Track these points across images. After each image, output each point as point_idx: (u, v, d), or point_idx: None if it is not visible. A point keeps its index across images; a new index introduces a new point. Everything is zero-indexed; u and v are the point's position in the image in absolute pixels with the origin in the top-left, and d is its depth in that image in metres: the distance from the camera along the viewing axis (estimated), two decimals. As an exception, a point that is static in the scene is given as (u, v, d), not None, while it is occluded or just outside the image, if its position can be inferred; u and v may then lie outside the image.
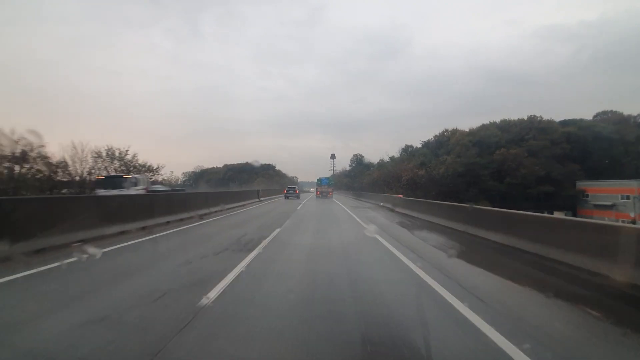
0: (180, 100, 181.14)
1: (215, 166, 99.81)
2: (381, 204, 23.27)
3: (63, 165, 23.46)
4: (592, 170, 48.30)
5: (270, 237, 8.44)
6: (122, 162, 26.96)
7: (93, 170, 26.04)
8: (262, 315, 3.49)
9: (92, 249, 6.05)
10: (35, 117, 70.59)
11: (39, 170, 21.88)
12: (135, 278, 4.91)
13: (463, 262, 6.39)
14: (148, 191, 17.17)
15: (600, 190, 44.41)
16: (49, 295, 4.08)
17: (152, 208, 10.28)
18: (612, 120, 61.82)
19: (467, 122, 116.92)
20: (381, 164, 74.21)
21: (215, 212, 15.34)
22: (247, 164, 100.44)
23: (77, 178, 24.39)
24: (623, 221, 38.27)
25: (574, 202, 47.13)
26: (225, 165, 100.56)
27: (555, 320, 3.56)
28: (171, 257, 6.44)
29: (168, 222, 10.76)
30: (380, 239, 8.49)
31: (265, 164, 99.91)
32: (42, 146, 20.07)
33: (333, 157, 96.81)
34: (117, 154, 26.32)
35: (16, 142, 20.42)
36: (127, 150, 26.86)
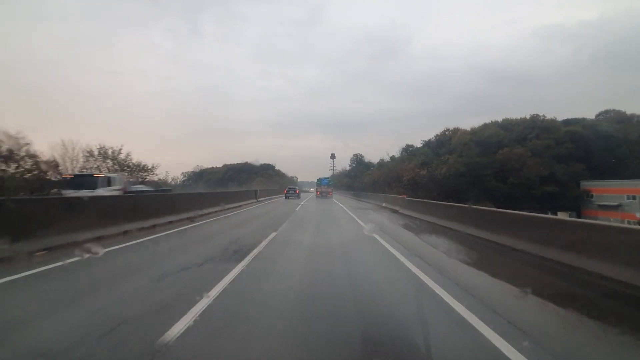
0: (180, 100, 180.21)
1: (214, 166, 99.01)
2: (383, 204, 22.44)
3: (53, 164, 22.67)
4: (596, 170, 47.44)
5: (264, 244, 7.57)
6: (116, 161, 26.14)
7: (85, 170, 25.26)
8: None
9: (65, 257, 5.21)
10: (34, 117, 69.64)
11: (27, 170, 21.10)
12: (87, 300, 3.91)
13: (505, 284, 5.14)
14: (126, 192, 16.02)
15: (606, 191, 43.56)
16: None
17: (134, 210, 9.41)
18: (615, 119, 61.01)
19: (468, 122, 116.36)
20: (381, 163, 73.39)
21: (209, 214, 14.49)
22: (246, 163, 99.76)
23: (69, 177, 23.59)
24: (629, 222, 37.50)
25: (578, 203, 46.30)
26: (225, 165, 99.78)
27: None
28: (145, 269, 5.53)
29: (154, 226, 9.92)
30: (390, 248, 7.59)
31: (264, 164, 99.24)
32: (27, 144, 19.24)
33: (333, 157, 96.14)
34: (109, 152, 25.50)
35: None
36: (120, 149, 26.05)
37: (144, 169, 27.89)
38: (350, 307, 3.84)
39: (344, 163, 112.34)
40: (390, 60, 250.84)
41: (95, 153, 24.86)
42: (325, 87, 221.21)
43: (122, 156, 26.10)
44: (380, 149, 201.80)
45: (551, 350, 2.82)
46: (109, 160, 25.41)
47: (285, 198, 37.49)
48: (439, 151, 59.08)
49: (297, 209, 20.26)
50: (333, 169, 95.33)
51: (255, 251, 6.76)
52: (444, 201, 24.17)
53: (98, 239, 7.39)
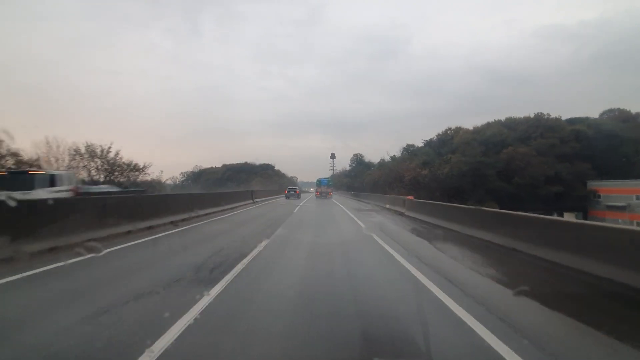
0: (180, 100, 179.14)
1: (214, 166, 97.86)
2: (387, 206, 21.19)
3: (36, 163, 21.43)
4: (602, 170, 46.30)
5: (250, 257, 6.29)
6: (105, 160, 24.90)
7: (71, 169, 24.02)
8: None
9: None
10: (34, 117, 68.40)
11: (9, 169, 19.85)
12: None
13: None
14: (78, 193, 13.84)
15: (613, 191, 42.35)
16: None
17: (101, 215, 8.08)
18: (620, 118, 59.87)
19: (468, 122, 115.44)
20: (382, 163, 72.27)
21: (198, 217, 13.25)
22: (246, 163, 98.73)
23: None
24: (638, 223, 36.30)
25: (584, 203, 45.10)
26: (224, 165, 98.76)
27: None
28: (80, 298, 4.07)
29: (129, 232, 8.68)
30: (406, 264, 6.35)
31: (264, 164, 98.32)
32: (2, 141, 18.12)
33: (333, 156, 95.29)
34: (98, 151, 24.23)
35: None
36: (109, 147, 24.76)
37: (135, 168, 26.62)
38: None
39: (344, 163, 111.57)
40: (390, 60, 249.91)
41: (83, 151, 23.59)
42: (325, 87, 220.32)
43: (111, 155, 24.85)
44: (381, 148, 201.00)
45: None
46: (97, 159, 24.16)
47: (286, 198, 37.49)
48: (441, 150, 57.93)
49: (295, 211, 19.00)
50: (333, 169, 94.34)
51: (240, 265, 5.53)
52: (446, 201, 22.90)
53: (51, 250, 6.15)
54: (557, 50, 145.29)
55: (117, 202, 9.28)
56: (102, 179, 25.07)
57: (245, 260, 5.94)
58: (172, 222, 11.09)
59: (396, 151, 73.22)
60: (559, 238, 6.19)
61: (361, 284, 4.99)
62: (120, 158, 25.50)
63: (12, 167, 19.50)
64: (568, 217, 38.42)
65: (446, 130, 64.87)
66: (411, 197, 17.69)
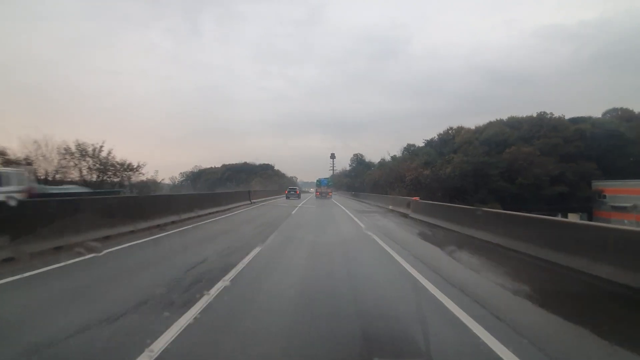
0: (180, 100, 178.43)
1: (213, 166, 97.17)
2: (390, 207, 20.35)
3: (25, 162, 20.62)
4: (607, 170, 45.39)
5: (234, 271, 5.44)
6: (97, 160, 24.08)
7: (63, 169, 23.28)
8: None
9: None
10: (34, 117, 67.81)
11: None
12: None
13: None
14: (32, 194, 12.27)
15: (619, 191, 41.42)
16: None
17: (71, 219, 7.20)
18: (623, 117, 59.03)
19: (468, 122, 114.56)
20: (382, 163, 71.47)
21: (189, 219, 12.46)
22: (245, 163, 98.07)
23: (46, 177, 21.59)
24: (645, 224, 35.42)
25: (589, 204, 44.21)
26: (224, 165, 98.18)
27: None
28: (15, 329, 3.24)
29: (107, 237, 7.87)
30: (429, 285, 5.09)
31: (263, 164, 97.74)
32: None
33: (333, 156, 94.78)
34: (89, 150, 23.39)
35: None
36: (101, 146, 23.92)
37: (128, 168, 25.80)
38: None
39: (344, 163, 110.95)
40: (390, 60, 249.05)
41: (73, 150, 22.74)
42: (325, 87, 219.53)
43: (103, 154, 24.02)
44: (381, 148, 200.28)
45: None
46: (88, 159, 23.33)
47: (287, 198, 37.72)
48: (443, 150, 57.14)
49: (293, 213, 18.19)
50: (333, 169, 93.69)
51: (220, 284, 4.67)
52: (447, 202, 22.04)
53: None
54: (557, 50, 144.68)
55: (90, 205, 8.36)
56: (94, 179, 24.31)
57: (226, 279, 5.07)
58: (159, 226, 10.30)
59: (397, 151, 72.59)
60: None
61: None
62: (113, 157, 24.70)
63: None
64: (572, 218, 37.59)
65: (447, 129, 64.09)
66: (416, 198, 16.72)
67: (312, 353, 2.87)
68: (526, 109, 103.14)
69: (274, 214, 17.22)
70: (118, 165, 25.29)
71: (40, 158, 20.86)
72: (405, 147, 69.73)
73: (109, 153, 24.32)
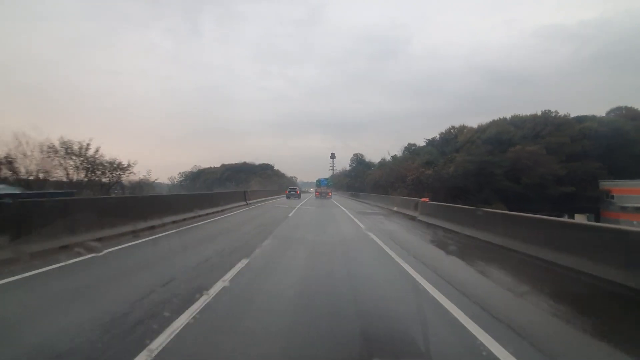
0: (180, 100, 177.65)
1: (212, 166, 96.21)
2: (394, 208, 19.11)
3: (5, 161, 19.41)
4: (614, 169, 44.28)
5: (214, 290, 4.27)
6: (84, 159, 22.82)
7: (51, 168, 22.03)
8: None
9: None
10: (34, 116, 66.82)
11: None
12: None
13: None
14: None
15: (628, 191, 40.28)
16: None
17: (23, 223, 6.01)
18: (628, 116, 58.03)
19: (468, 122, 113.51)
20: (383, 163, 70.48)
21: (177, 221, 11.27)
22: (245, 163, 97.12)
23: (28, 177, 20.37)
24: (655, 225, 34.27)
25: (596, 204, 43.06)
26: (223, 165, 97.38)
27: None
28: None
29: (65, 246, 6.68)
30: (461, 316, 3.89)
31: (263, 164, 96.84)
32: None
33: (333, 156, 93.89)
34: (75, 147, 22.08)
35: None
36: (88, 144, 22.57)
37: (118, 167, 24.53)
38: None
39: (344, 163, 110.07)
40: (390, 60, 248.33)
41: (58, 147, 21.42)
42: (325, 87, 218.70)
43: (90, 152, 22.72)
44: (381, 148, 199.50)
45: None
46: (74, 157, 22.05)
47: (287, 198, 38.29)
48: (445, 150, 56.14)
49: (290, 215, 16.99)
50: (333, 169, 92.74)
51: (194, 307, 3.59)
52: (450, 202, 20.79)
53: None
54: (557, 50, 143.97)
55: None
56: (82, 178, 23.09)
57: (201, 302, 3.90)
58: (138, 230, 9.10)
59: (397, 151, 71.74)
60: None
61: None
62: (102, 155, 23.39)
63: None
64: (579, 218, 36.43)
65: (449, 128, 63.11)
66: (426, 199, 15.26)
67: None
68: (526, 109, 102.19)
69: (269, 216, 15.98)
70: (107, 164, 24.03)
71: (20, 156, 19.58)
72: (405, 147, 68.81)
73: (97, 151, 23.03)
